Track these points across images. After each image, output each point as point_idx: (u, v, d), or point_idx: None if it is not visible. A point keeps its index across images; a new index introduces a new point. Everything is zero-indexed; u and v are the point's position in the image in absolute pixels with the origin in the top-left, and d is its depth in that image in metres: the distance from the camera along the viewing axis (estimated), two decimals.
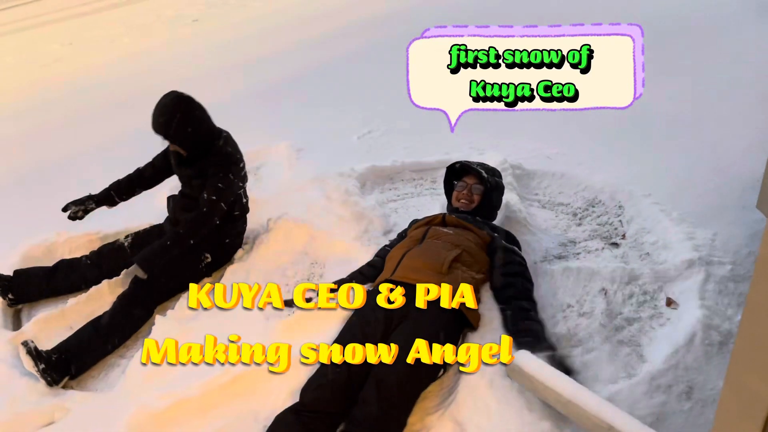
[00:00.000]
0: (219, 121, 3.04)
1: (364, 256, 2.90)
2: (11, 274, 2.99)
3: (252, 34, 8.80)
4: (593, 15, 4.27)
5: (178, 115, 2.75)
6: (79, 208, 3.05)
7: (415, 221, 2.86)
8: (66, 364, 2.54)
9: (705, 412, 1.97)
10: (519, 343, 2.14)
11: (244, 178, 3.06)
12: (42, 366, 2.46)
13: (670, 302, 2.45)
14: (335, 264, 2.98)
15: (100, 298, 2.91)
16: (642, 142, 3.62)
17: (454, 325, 2.29)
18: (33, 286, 2.96)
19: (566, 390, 1.86)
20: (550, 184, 3.38)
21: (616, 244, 2.85)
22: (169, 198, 3.14)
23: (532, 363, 2.00)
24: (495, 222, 2.89)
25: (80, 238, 3.40)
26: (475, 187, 2.84)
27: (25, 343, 2.49)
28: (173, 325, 2.61)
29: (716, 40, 5.06)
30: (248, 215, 3.24)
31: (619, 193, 3.16)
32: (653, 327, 2.35)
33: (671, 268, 2.59)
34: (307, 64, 6.69)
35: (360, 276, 2.67)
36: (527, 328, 2.24)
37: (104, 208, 3.13)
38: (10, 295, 2.93)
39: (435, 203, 3.36)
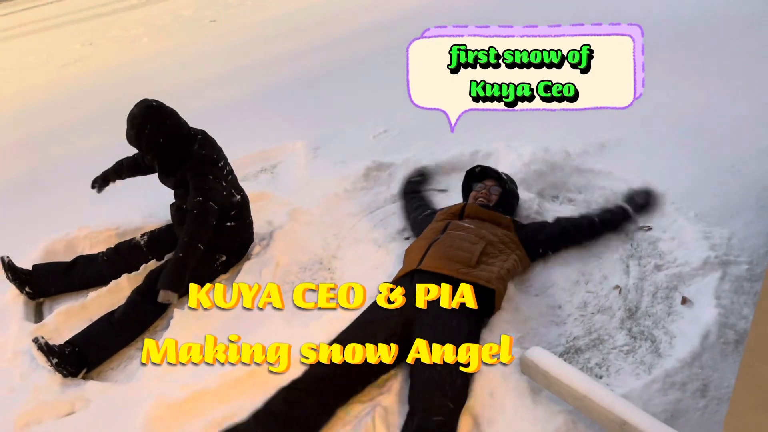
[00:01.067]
0: (235, 120, 3.07)
1: (379, 252, 2.93)
2: (30, 268, 3.05)
3: (268, 35, 8.86)
4: (606, 15, 4.27)
5: (149, 127, 2.73)
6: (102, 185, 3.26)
7: (437, 210, 2.98)
8: (80, 357, 2.58)
9: (720, 410, 1.97)
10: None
11: (228, 175, 3.00)
12: (55, 360, 2.50)
13: (684, 300, 2.44)
14: (351, 260, 3.00)
15: (119, 292, 2.95)
16: (658, 141, 3.61)
17: (478, 318, 2.33)
18: (50, 281, 3.02)
19: (580, 385, 1.87)
20: (567, 182, 3.38)
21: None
22: (171, 205, 3.19)
23: (546, 359, 2.00)
24: None
25: (100, 234, 3.46)
26: (493, 189, 2.96)
27: (35, 340, 2.53)
28: (191, 319, 2.65)
29: (734, 38, 5.01)
30: (265, 211, 3.27)
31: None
32: (669, 325, 2.34)
33: (687, 267, 2.59)
34: (322, 65, 6.72)
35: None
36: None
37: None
38: (27, 289, 2.99)
39: (450, 201, 3.37)
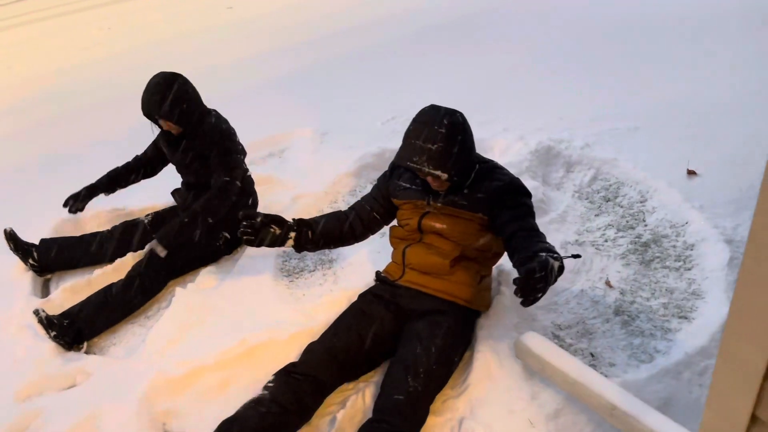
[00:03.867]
0: (246, 106, 3.10)
1: (384, 237, 2.93)
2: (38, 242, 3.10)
3: (284, 23, 8.87)
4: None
5: (173, 92, 2.78)
6: (76, 203, 3.15)
7: (399, 188, 2.34)
8: (77, 330, 2.63)
9: None
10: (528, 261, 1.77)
11: (244, 151, 3.06)
12: (53, 333, 2.56)
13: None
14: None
15: (124, 270, 2.98)
16: (665, 132, 3.57)
17: (469, 317, 2.26)
18: (55, 255, 3.06)
19: (572, 370, 1.86)
20: (572, 171, 3.36)
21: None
22: (173, 193, 3.22)
23: (540, 344, 2.00)
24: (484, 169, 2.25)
25: (108, 214, 3.51)
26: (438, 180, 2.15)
27: (36, 312, 2.60)
28: (192, 297, 2.68)
29: (748, 32, 4.93)
30: (270, 194, 3.29)
31: (643, 182, 3.12)
32: (667, 315, 2.33)
33: (691, 258, 2.57)
34: (334, 53, 6.73)
35: (326, 226, 2.41)
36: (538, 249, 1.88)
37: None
38: (31, 261, 3.03)
39: None
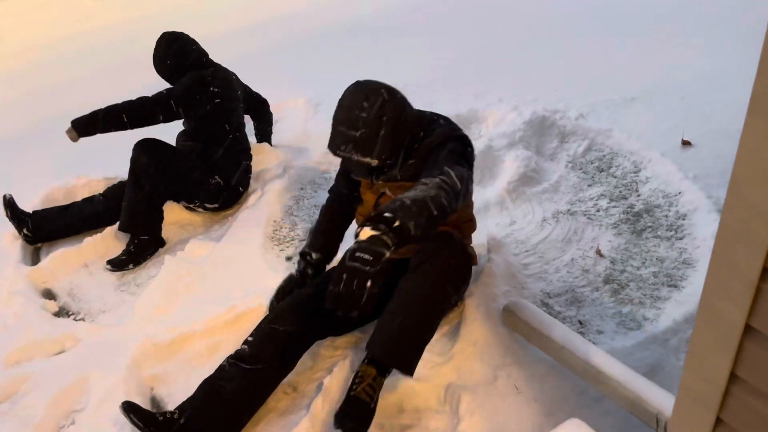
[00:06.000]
0: (241, 76, 3.14)
1: None
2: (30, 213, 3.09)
3: None
4: None
5: (160, 50, 3.12)
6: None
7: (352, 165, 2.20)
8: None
9: None
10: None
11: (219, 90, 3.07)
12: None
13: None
14: None
15: (115, 237, 2.99)
16: (660, 103, 3.54)
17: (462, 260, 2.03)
18: (48, 224, 3.05)
19: (558, 336, 1.86)
20: (566, 141, 3.33)
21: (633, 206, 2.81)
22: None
23: (527, 310, 2.00)
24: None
25: (99, 182, 3.48)
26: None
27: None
28: (181, 265, 2.67)
29: (751, 7, 4.86)
30: (263, 163, 3.28)
31: (637, 152, 3.10)
32: (657, 284, 2.32)
33: (685, 227, 2.56)
34: (327, 24, 6.65)
35: (329, 247, 2.35)
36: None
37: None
38: (25, 231, 3.02)
39: None
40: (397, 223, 1.53)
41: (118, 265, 2.85)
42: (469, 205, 2.22)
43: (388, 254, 1.53)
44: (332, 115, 1.98)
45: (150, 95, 2.97)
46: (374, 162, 1.91)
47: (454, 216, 2.03)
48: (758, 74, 0.84)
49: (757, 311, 0.97)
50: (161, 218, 2.98)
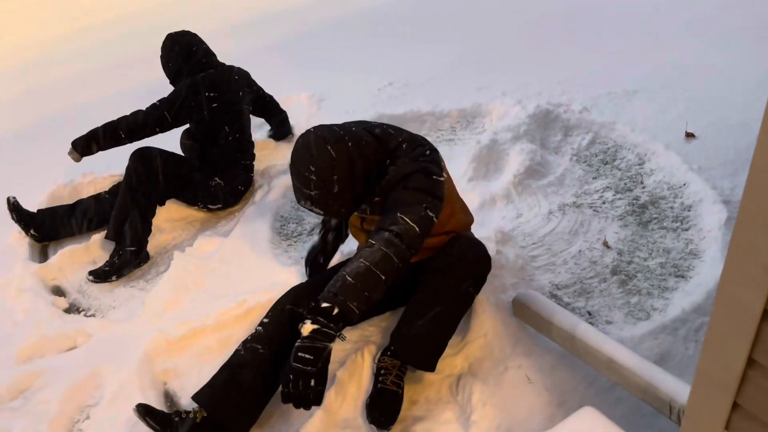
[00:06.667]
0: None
1: None
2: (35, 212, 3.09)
3: None
4: None
5: (164, 52, 3.18)
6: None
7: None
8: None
9: None
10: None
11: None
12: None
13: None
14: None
15: None
16: (664, 96, 3.55)
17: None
18: (55, 223, 3.06)
19: (569, 326, 1.88)
20: (570, 134, 3.34)
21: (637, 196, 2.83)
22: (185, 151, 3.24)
23: (537, 301, 2.02)
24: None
25: (105, 180, 3.49)
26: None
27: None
28: (190, 260, 2.68)
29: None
30: (267, 159, 3.28)
31: (641, 145, 3.11)
32: (664, 274, 2.34)
33: (691, 218, 2.58)
34: (329, 19, 6.65)
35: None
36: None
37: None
38: (32, 231, 3.03)
39: (453, 151, 3.35)
40: (336, 311, 1.61)
41: (100, 276, 2.79)
42: (462, 211, 2.13)
43: (331, 345, 1.63)
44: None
45: (144, 108, 3.00)
46: (335, 218, 1.92)
47: (452, 223, 2.02)
48: None
49: None
50: (149, 231, 2.93)
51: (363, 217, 2.04)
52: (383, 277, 1.66)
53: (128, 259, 2.82)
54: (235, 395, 1.86)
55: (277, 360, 1.91)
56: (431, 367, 1.93)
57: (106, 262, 2.83)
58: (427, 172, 1.80)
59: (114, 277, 2.81)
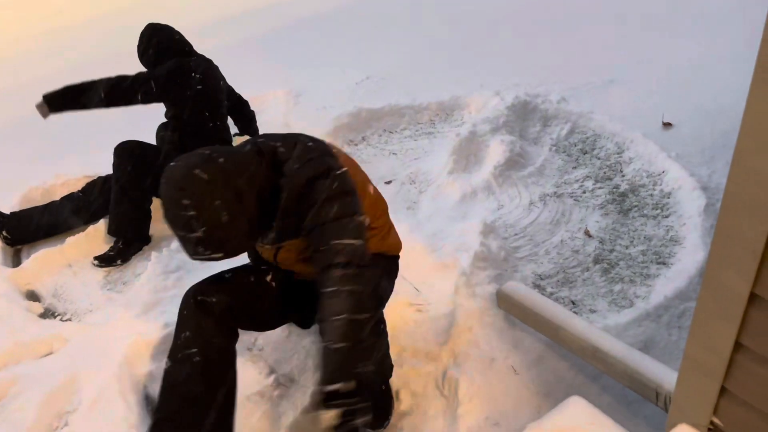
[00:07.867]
0: (220, 68, 3.09)
1: None
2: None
3: None
4: None
5: (141, 41, 3.07)
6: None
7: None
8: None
9: None
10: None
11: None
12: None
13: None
14: None
15: (97, 237, 2.93)
16: (642, 86, 3.57)
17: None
18: (29, 224, 2.97)
19: (554, 316, 1.87)
20: (549, 124, 3.35)
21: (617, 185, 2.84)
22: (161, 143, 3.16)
23: (521, 292, 2.01)
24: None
25: (78, 181, 3.40)
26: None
27: None
28: (168, 261, 2.63)
29: None
30: None
31: (619, 134, 3.13)
32: (646, 261, 2.35)
33: (671, 205, 2.59)
34: (305, 14, 6.59)
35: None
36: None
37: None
38: (4, 233, 2.95)
39: (433, 144, 3.34)
40: (353, 384, 1.39)
41: (106, 260, 2.80)
42: (377, 212, 1.81)
43: (360, 421, 1.41)
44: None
45: (130, 74, 2.87)
46: (236, 253, 1.56)
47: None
48: (762, 45, 0.85)
49: (762, 279, 0.98)
50: (149, 218, 2.93)
51: (279, 246, 1.71)
52: (366, 315, 1.44)
53: (132, 243, 2.87)
54: (192, 412, 1.70)
55: (212, 357, 1.75)
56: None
57: (111, 247, 2.85)
58: (326, 173, 1.52)
59: (119, 261, 2.82)
